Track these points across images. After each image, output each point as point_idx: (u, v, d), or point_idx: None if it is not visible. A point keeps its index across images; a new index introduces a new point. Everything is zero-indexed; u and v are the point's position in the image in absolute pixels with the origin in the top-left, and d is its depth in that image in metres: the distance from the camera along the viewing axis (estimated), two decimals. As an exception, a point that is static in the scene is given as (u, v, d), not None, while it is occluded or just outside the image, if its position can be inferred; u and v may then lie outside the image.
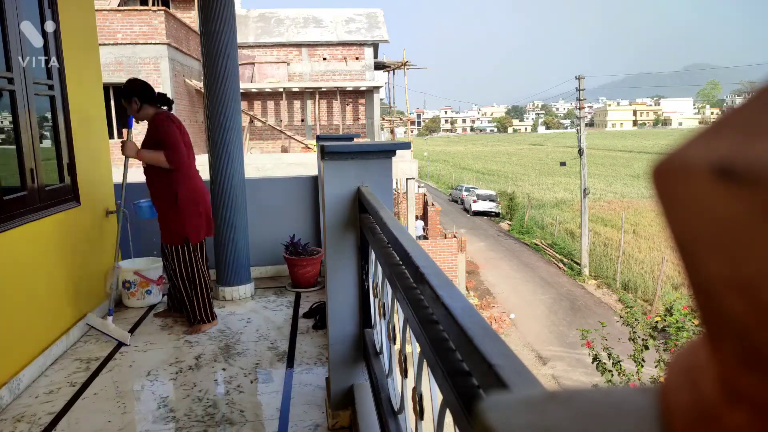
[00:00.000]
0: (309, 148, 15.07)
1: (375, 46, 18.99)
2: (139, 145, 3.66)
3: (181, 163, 3.56)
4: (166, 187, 3.63)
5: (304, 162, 11.89)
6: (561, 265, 20.22)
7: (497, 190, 33.47)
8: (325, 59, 18.54)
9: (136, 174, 3.91)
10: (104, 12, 13.00)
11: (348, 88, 17.67)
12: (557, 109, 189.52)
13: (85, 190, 3.96)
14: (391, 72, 21.37)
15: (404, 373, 1.54)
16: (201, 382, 3.08)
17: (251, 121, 17.19)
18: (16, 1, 3.20)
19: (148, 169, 3.66)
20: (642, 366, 8.06)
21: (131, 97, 3.60)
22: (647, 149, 61.04)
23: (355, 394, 2.39)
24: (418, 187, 21.16)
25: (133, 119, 3.70)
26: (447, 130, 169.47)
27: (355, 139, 5.27)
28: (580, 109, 20.06)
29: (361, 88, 17.79)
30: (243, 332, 3.82)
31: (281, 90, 17.10)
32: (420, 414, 1.28)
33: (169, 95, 13.26)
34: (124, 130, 3.68)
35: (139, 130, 5.73)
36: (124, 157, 3.72)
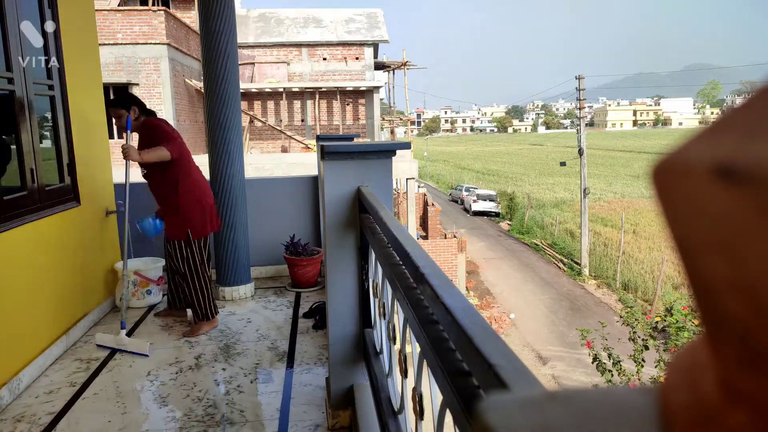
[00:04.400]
0: (309, 148, 15.07)
1: (375, 46, 18.99)
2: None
3: (182, 154, 3.66)
4: (168, 183, 3.70)
5: (304, 162, 11.88)
6: (561, 265, 20.22)
7: (497, 190, 33.46)
8: (325, 59, 18.54)
9: (135, 174, 3.89)
10: (104, 12, 13.00)
11: (348, 88, 17.67)
12: (557, 109, 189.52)
13: (85, 190, 3.96)
14: (391, 72, 21.37)
15: (404, 373, 1.54)
16: (201, 382, 3.08)
17: (251, 121, 17.20)
18: (16, 1, 3.20)
19: (150, 172, 3.72)
20: (642, 366, 8.06)
21: (131, 106, 3.69)
22: (647, 149, 61.06)
23: (355, 394, 2.39)
24: (418, 187, 21.16)
25: (131, 123, 3.73)
26: (447, 130, 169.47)
27: (355, 139, 5.27)
28: (580, 109, 20.06)
29: (361, 88, 17.79)
30: (243, 332, 3.83)
31: (281, 90, 17.10)
32: (420, 414, 1.28)
33: (169, 96, 13.33)
34: (124, 133, 3.71)
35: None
36: (125, 161, 3.71)
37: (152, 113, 3.86)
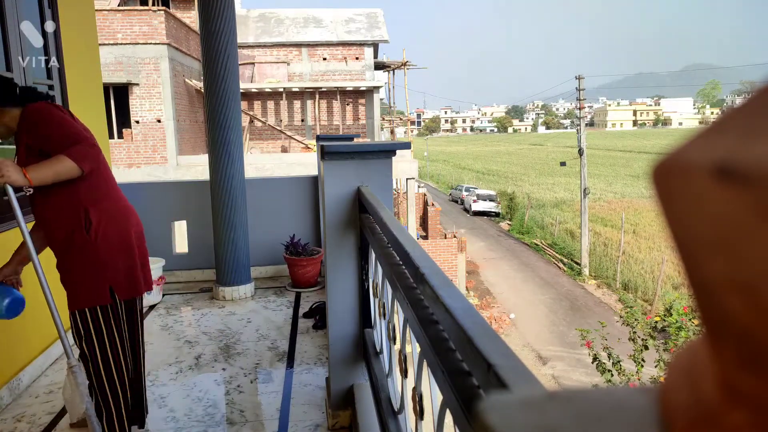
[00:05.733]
0: (309, 148, 15.07)
1: (375, 46, 18.99)
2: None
3: (97, 161, 2.26)
4: (68, 213, 2.25)
5: (304, 162, 11.89)
6: (561, 265, 20.22)
7: (497, 190, 33.47)
8: (325, 59, 18.54)
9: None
10: (104, 12, 13.00)
11: (348, 88, 17.67)
12: (557, 109, 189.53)
13: (85, 190, 3.96)
14: (391, 72, 21.37)
15: (404, 373, 1.54)
16: (201, 382, 3.08)
17: (251, 121, 17.20)
18: (16, 1, 3.20)
19: (40, 193, 2.29)
20: (642, 366, 8.06)
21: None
22: (647, 149, 61.05)
23: (355, 394, 2.39)
24: (418, 187, 21.17)
25: None
26: (447, 130, 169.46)
27: (355, 139, 5.27)
28: (580, 109, 20.06)
29: (361, 88, 17.79)
30: (243, 332, 3.83)
31: (281, 90, 17.09)
32: (420, 414, 1.28)
33: (169, 96, 13.30)
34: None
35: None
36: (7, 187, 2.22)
37: (34, 96, 2.29)
